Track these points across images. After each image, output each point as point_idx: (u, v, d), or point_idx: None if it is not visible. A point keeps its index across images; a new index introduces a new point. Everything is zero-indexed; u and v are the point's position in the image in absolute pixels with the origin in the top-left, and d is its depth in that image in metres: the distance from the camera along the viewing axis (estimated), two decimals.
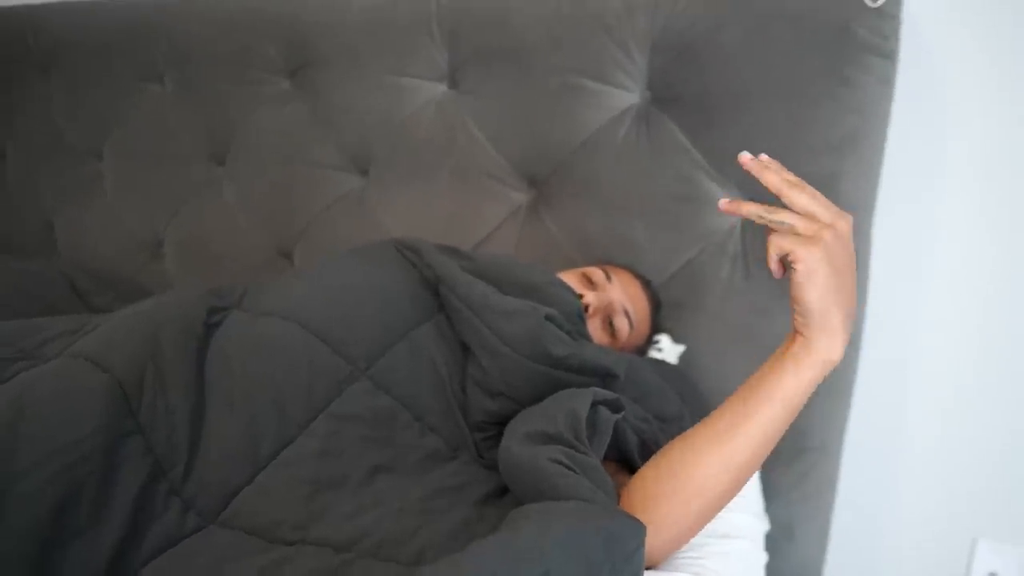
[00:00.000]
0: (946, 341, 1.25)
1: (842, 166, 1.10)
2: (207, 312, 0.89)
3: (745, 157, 0.66)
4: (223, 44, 1.51)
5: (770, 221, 0.64)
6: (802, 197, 0.63)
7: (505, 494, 0.80)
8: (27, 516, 0.63)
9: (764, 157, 0.67)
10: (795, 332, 0.67)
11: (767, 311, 1.16)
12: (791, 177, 0.65)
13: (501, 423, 0.86)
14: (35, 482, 0.64)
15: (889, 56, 1.07)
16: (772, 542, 1.09)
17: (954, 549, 1.31)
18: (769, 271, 0.60)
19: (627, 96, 1.22)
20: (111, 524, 0.67)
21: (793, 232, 0.63)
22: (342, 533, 0.71)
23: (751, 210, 0.64)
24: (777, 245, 0.63)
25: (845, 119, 1.09)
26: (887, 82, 1.08)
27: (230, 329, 0.88)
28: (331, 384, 0.84)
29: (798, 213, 0.63)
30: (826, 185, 1.10)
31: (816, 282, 0.62)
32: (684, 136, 1.18)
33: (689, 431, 0.73)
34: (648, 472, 0.73)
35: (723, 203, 0.66)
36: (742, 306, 1.18)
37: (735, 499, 0.92)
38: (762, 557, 0.94)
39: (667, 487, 0.70)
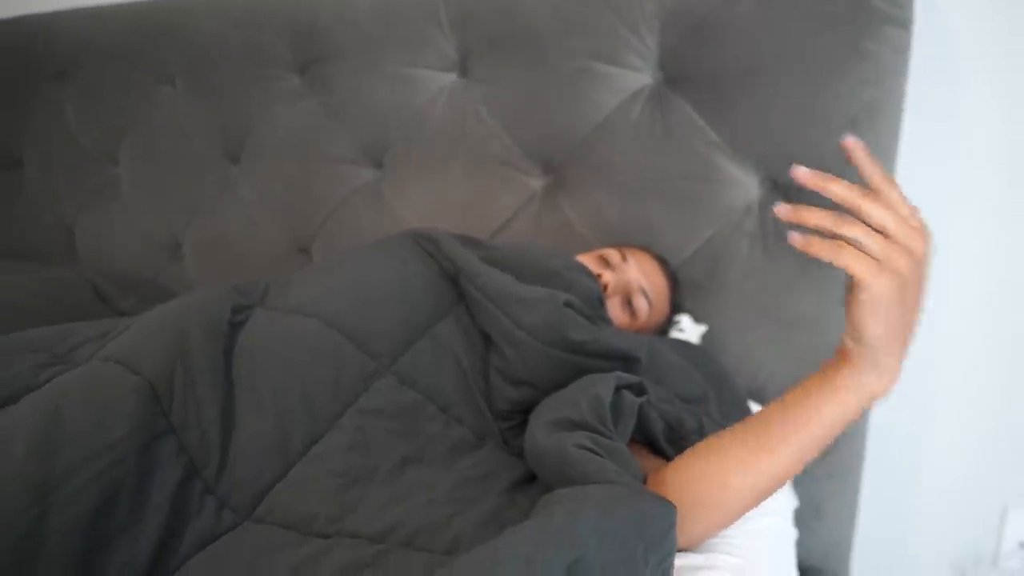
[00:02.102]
0: (970, 312, 1.24)
1: (859, 139, 1.09)
2: (232, 311, 0.89)
3: (801, 172, 0.55)
4: (233, 43, 1.51)
5: (840, 237, 0.54)
6: (875, 209, 0.54)
7: (533, 480, 0.81)
8: (70, 518, 0.64)
9: (850, 142, 0.56)
10: (844, 356, 0.62)
11: (788, 288, 1.16)
12: (874, 171, 0.55)
13: (525, 411, 0.87)
14: (76, 484, 0.65)
15: (904, 25, 1.05)
16: (800, 519, 1.09)
17: (985, 519, 1.30)
18: (793, 246, 0.56)
19: (639, 77, 1.21)
20: (150, 524, 0.68)
21: (865, 250, 0.54)
22: (375, 525, 0.72)
23: (817, 221, 0.55)
24: (845, 263, 0.54)
25: (862, 91, 1.08)
26: (903, 52, 1.07)
27: (255, 327, 0.89)
28: (357, 379, 0.85)
29: (873, 227, 0.54)
30: (843, 160, 1.09)
31: (880, 315, 0.56)
32: (698, 115, 1.17)
33: (721, 437, 0.71)
34: (676, 476, 0.71)
35: (782, 210, 0.55)
36: (762, 284, 1.17)
37: None
38: (792, 533, 0.94)
39: (693, 494, 0.69)
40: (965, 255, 1.23)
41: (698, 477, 0.69)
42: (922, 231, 0.55)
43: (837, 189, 0.54)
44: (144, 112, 1.66)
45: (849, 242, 0.54)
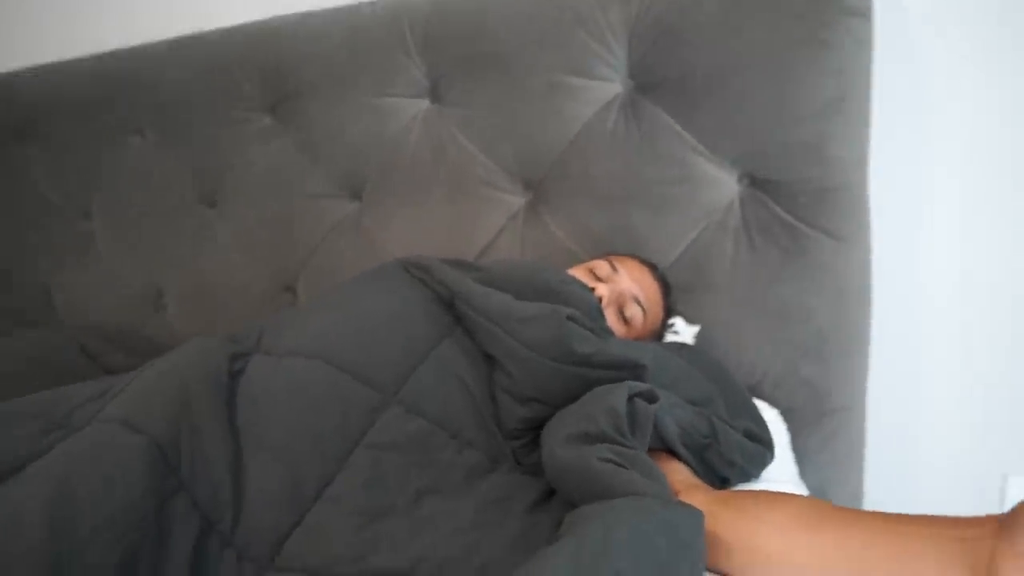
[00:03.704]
0: (957, 285, 1.27)
1: (829, 130, 1.11)
2: (229, 360, 0.89)
3: None
4: (199, 87, 1.50)
5: None
6: None
7: (551, 498, 0.81)
8: None
9: None
10: (992, 523, 0.54)
11: (775, 280, 1.17)
12: None
13: (535, 428, 0.87)
14: (95, 552, 0.64)
15: (864, 15, 1.08)
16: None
17: (986, 488, 1.32)
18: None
19: (610, 87, 1.22)
20: None
21: None
22: (401, 560, 0.72)
23: None
24: None
25: (827, 82, 1.10)
26: (865, 42, 1.09)
27: (255, 374, 0.88)
28: (363, 415, 0.85)
29: None
30: (815, 150, 1.11)
31: None
32: (672, 119, 1.19)
33: (790, 509, 0.66)
34: (728, 516, 0.67)
35: None
36: (750, 278, 1.19)
37: (774, 468, 0.94)
38: None
39: (735, 541, 0.65)
40: (947, 233, 1.25)
41: (741, 528, 0.65)
42: None
43: None
44: (114, 164, 1.64)
45: None
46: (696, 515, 0.62)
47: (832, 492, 1.20)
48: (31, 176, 1.73)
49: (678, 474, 0.78)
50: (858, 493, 1.23)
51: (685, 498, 0.70)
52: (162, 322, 1.66)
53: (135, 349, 1.34)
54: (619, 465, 0.67)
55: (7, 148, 1.75)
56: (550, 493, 0.81)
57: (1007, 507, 1.28)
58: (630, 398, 0.75)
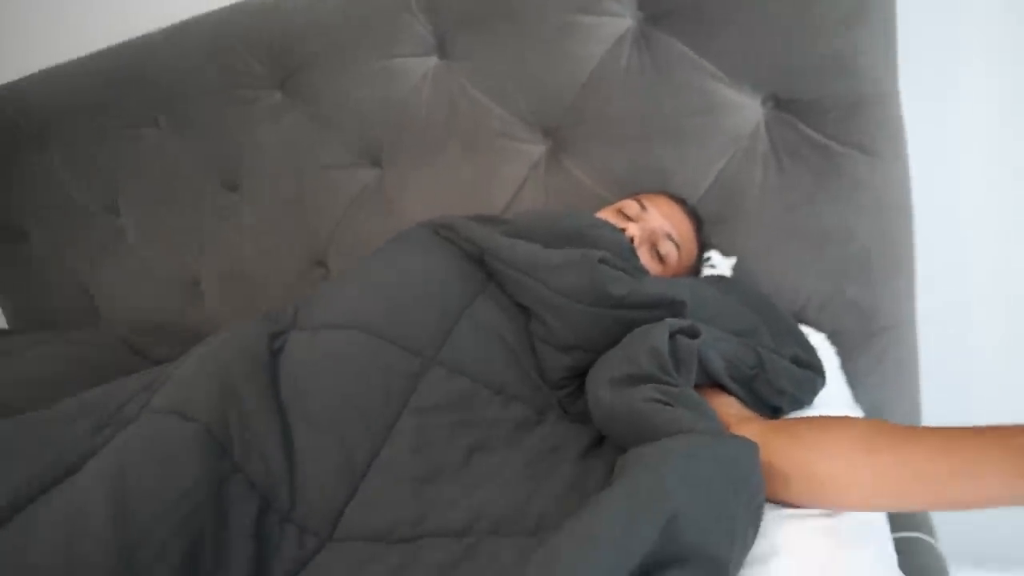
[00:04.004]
0: (997, 195, 1.22)
1: (856, 41, 1.06)
2: (269, 339, 0.89)
3: None
4: (207, 72, 1.50)
5: None
6: None
7: (602, 443, 0.80)
8: (161, 571, 0.64)
9: None
10: None
11: (809, 202, 1.14)
12: None
13: (580, 375, 0.86)
14: (158, 540, 0.65)
15: None
16: None
17: None
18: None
19: (621, 22, 1.18)
20: (238, 563, 0.68)
21: None
22: (458, 519, 0.72)
23: None
24: None
25: None
26: None
27: (294, 350, 0.88)
28: (406, 380, 0.85)
29: None
30: (841, 62, 1.07)
31: None
32: (687, 48, 1.15)
33: (842, 425, 0.66)
34: (781, 442, 0.67)
35: None
36: (782, 203, 1.15)
37: (826, 393, 0.92)
38: None
39: (790, 467, 0.65)
40: (982, 140, 1.20)
41: (798, 456, 0.64)
42: None
43: None
44: (134, 158, 1.65)
45: None
46: (750, 447, 0.61)
47: (888, 412, 1.18)
48: (56, 179, 1.76)
49: (729, 407, 0.77)
50: (915, 411, 1.20)
51: (737, 430, 0.69)
52: (201, 310, 1.68)
53: (178, 339, 1.36)
54: (666, 404, 0.66)
55: (29, 155, 1.77)
56: (601, 439, 0.81)
57: None
58: (672, 335, 0.74)
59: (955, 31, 1.17)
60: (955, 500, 0.57)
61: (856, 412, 1.01)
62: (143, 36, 1.57)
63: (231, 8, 1.47)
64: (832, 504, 0.64)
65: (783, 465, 0.65)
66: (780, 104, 1.13)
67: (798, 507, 0.67)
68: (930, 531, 1.02)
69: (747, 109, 1.14)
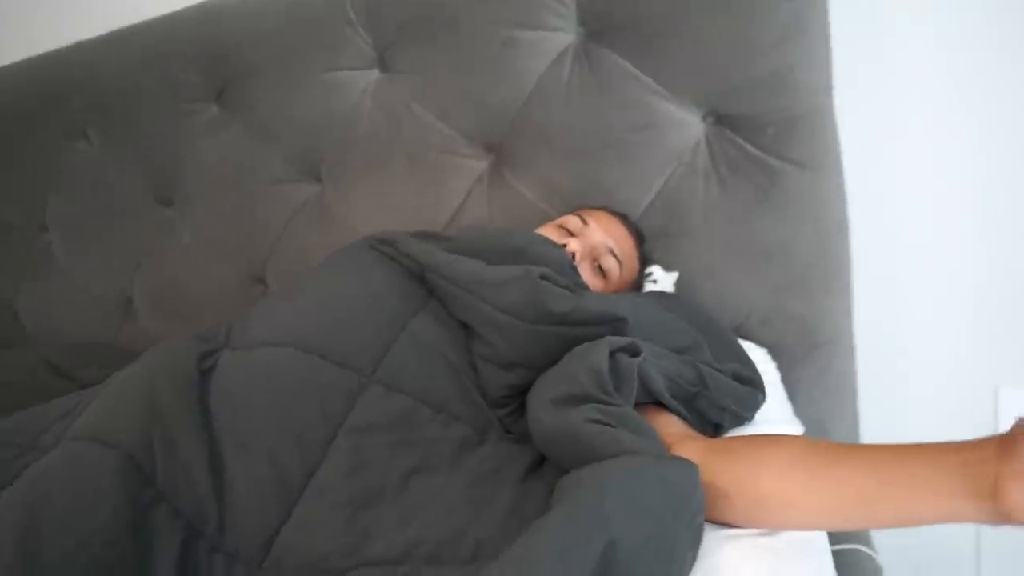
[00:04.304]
0: (937, 198, 1.25)
1: (792, 57, 1.08)
2: (198, 359, 0.86)
3: None
4: (141, 82, 1.45)
5: None
6: None
7: (542, 464, 0.79)
8: None
9: None
10: (991, 446, 0.53)
11: (750, 217, 1.15)
12: None
13: (521, 394, 0.85)
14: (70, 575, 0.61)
15: None
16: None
17: (979, 400, 1.32)
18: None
19: (562, 37, 1.18)
20: None
21: None
22: (394, 547, 0.70)
23: None
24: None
25: (782, 8, 1.07)
26: None
27: (225, 369, 0.85)
28: (342, 398, 0.82)
29: None
30: (779, 79, 1.08)
31: None
32: (628, 63, 1.15)
33: (778, 446, 0.65)
34: (716, 461, 0.66)
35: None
36: (723, 218, 1.16)
37: (767, 408, 0.92)
38: None
39: (725, 487, 0.64)
40: (922, 149, 1.23)
41: (739, 476, 0.64)
42: None
43: None
44: (63, 172, 1.59)
45: None
46: (691, 468, 0.60)
47: (829, 425, 1.19)
48: None
49: (670, 426, 0.76)
50: (854, 424, 1.22)
51: (678, 450, 0.68)
52: (135, 329, 1.62)
53: (107, 361, 1.30)
54: (606, 424, 0.65)
55: None
56: (542, 459, 0.79)
57: (1001, 419, 1.29)
58: (612, 354, 0.73)
59: (889, 46, 1.20)
60: (892, 519, 0.57)
61: (797, 427, 1.02)
62: (75, 43, 1.52)
63: (167, 16, 1.43)
64: (772, 524, 0.64)
65: (725, 485, 0.64)
66: (720, 119, 1.14)
67: (738, 527, 0.66)
68: (868, 543, 1.02)
69: (688, 125, 1.15)
